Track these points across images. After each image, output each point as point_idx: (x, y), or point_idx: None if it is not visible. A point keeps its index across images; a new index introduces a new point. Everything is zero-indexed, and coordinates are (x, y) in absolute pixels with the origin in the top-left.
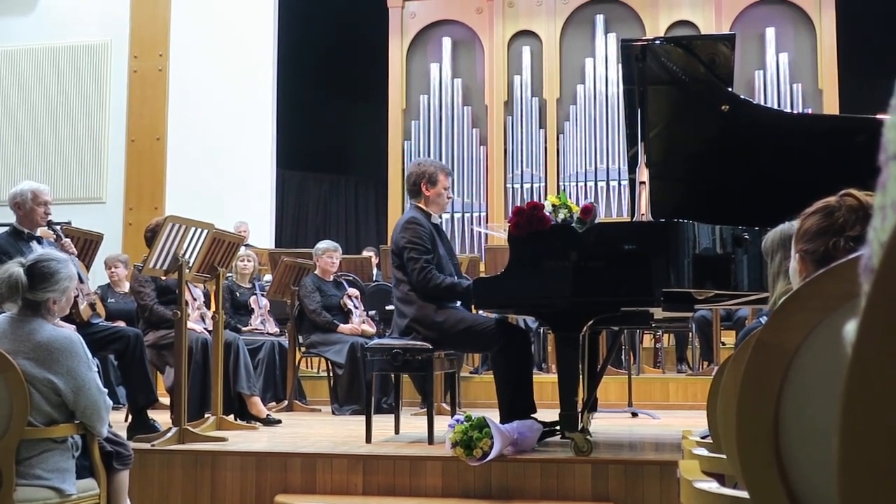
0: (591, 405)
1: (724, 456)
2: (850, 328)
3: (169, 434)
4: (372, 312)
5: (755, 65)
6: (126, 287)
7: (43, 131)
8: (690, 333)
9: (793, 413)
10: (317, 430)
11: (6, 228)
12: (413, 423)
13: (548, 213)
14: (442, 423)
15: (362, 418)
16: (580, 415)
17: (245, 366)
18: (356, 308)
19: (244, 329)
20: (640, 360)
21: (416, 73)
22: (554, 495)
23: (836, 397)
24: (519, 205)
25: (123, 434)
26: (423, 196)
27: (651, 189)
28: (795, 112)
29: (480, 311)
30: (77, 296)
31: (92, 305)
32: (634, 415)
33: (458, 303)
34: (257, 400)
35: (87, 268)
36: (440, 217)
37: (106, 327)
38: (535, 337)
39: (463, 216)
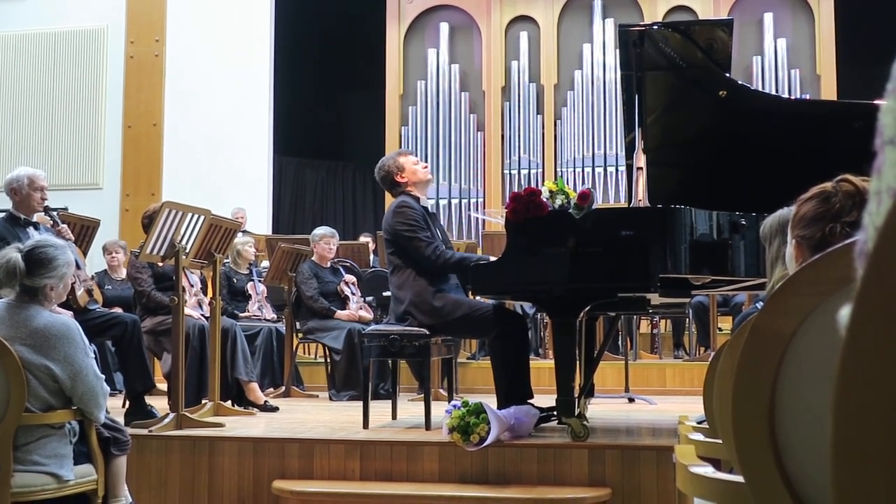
0: (588, 391)
1: (720, 441)
2: (845, 312)
3: (166, 420)
4: (369, 299)
5: (753, 50)
6: (123, 273)
7: (39, 117)
8: (687, 319)
9: (788, 398)
10: (314, 415)
11: (3, 214)
12: (410, 408)
13: (545, 199)
14: (439, 409)
15: (359, 404)
16: (577, 400)
17: (242, 352)
18: (353, 294)
19: (241, 315)
20: (637, 346)
21: (414, 58)
22: (551, 480)
23: (831, 382)
24: (516, 191)
25: (121, 420)
26: (402, 185)
27: (648, 175)
28: (793, 98)
29: (477, 297)
30: (74, 282)
31: (89, 292)
32: (631, 400)
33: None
34: (255, 386)
35: (84, 254)
36: (428, 200)
37: (103, 313)
38: (532, 323)
39: (460, 202)
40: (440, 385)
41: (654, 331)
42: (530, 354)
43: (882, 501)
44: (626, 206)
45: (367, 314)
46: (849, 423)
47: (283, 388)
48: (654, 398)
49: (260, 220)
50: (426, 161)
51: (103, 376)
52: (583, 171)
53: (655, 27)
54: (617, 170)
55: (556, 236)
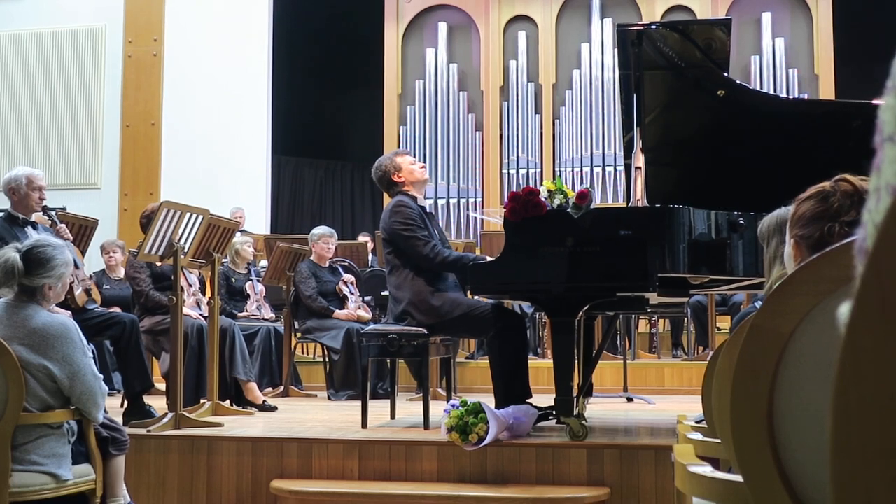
0: (587, 390)
1: (718, 440)
2: (844, 310)
3: (165, 419)
4: (367, 298)
5: (751, 50)
6: (121, 273)
7: (37, 117)
8: (686, 318)
9: (787, 397)
10: (313, 415)
11: (1, 214)
12: (409, 408)
13: (543, 199)
14: (438, 409)
15: (358, 404)
16: (575, 400)
17: (241, 351)
18: (352, 294)
19: (240, 315)
20: (635, 346)
21: (412, 58)
22: (549, 480)
23: (830, 381)
24: (514, 190)
25: (119, 420)
26: (399, 185)
27: (647, 174)
28: (791, 97)
29: (476, 297)
30: (73, 282)
31: (87, 291)
32: (630, 400)
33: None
34: (253, 385)
35: (83, 254)
36: (426, 199)
37: (101, 313)
38: (530, 322)
39: (458, 202)
40: (439, 384)
41: (653, 330)
42: (529, 354)
43: (882, 500)
44: (625, 205)
45: (366, 314)
46: (848, 422)
47: (282, 388)
48: (653, 398)
49: (258, 219)
50: (424, 161)
51: (102, 376)
52: (581, 170)
53: (654, 27)
54: (615, 169)
55: (555, 236)
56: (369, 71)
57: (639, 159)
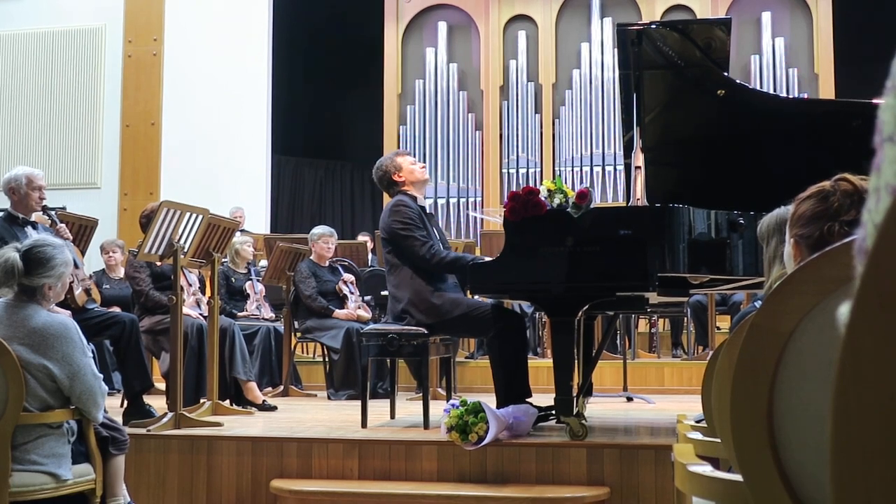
0: (587, 390)
1: (718, 440)
2: (844, 309)
3: (165, 419)
4: (367, 298)
5: (751, 49)
6: (121, 272)
7: (37, 116)
8: (685, 318)
9: (787, 397)
10: (312, 415)
11: (1, 214)
12: (408, 407)
13: (543, 198)
14: (437, 408)
15: (358, 403)
16: (575, 399)
17: (241, 351)
18: (351, 293)
19: (240, 314)
20: (635, 345)
21: (412, 57)
22: (549, 479)
23: (830, 381)
24: (514, 190)
25: (119, 419)
26: (399, 184)
27: (647, 174)
28: (791, 97)
29: (476, 296)
30: (72, 281)
31: (87, 291)
32: (630, 399)
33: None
34: (253, 385)
35: (83, 253)
36: (425, 199)
37: (101, 313)
38: (530, 322)
39: (458, 201)
40: (438, 384)
41: (653, 330)
42: (529, 353)
43: (881, 500)
44: (625, 205)
45: (366, 313)
46: (848, 422)
47: (282, 388)
48: (653, 397)
49: (258, 219)
50: (424, 161)
51: (101, 376)
52: (581, 170)
53: (653, 26)
54: (615, 169)
55: (555, 235)
56: (369, 71)
57: (639, 159)
